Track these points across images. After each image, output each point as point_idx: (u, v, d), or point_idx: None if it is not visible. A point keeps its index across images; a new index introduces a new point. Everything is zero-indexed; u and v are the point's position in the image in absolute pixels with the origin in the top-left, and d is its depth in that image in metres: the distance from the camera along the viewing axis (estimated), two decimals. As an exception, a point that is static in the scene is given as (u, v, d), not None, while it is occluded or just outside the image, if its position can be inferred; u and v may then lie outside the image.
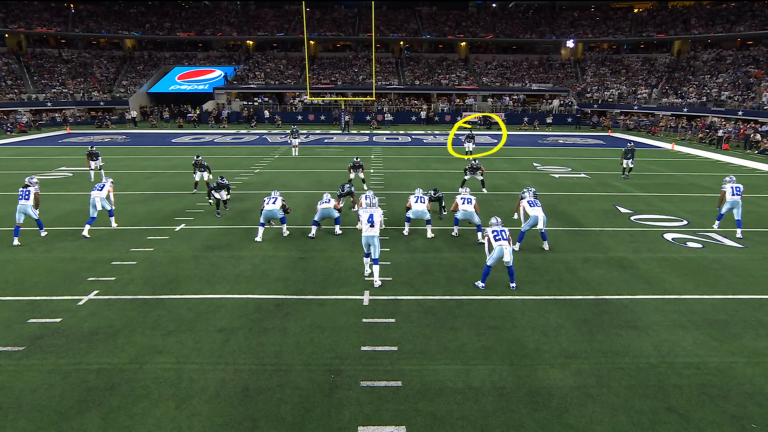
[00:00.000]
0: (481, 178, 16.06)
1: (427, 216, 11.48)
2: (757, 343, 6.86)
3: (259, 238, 11.18)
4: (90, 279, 8.90)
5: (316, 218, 11.49)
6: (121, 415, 5.28)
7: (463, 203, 11.05)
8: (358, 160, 16.02)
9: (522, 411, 5.39)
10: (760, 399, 5.64)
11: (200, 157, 15.88)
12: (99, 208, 11.38)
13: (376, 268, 8.74)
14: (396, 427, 5.15)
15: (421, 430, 5.11)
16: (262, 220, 11.28)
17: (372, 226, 8.62)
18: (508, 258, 8.22)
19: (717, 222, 12.24)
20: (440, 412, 5.37)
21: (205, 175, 15.77)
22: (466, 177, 15.88)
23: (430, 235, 11.57)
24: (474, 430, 5.10)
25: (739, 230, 11.62)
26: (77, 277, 8.96)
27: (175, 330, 7.10)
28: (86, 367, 6.16)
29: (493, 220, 8.69)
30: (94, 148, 18.05)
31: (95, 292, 8.36)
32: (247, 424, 5.17)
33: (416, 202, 11.48)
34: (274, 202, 11.22)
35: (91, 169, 17.80)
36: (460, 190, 11.92)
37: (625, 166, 18.93)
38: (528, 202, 10.65)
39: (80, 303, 7.94)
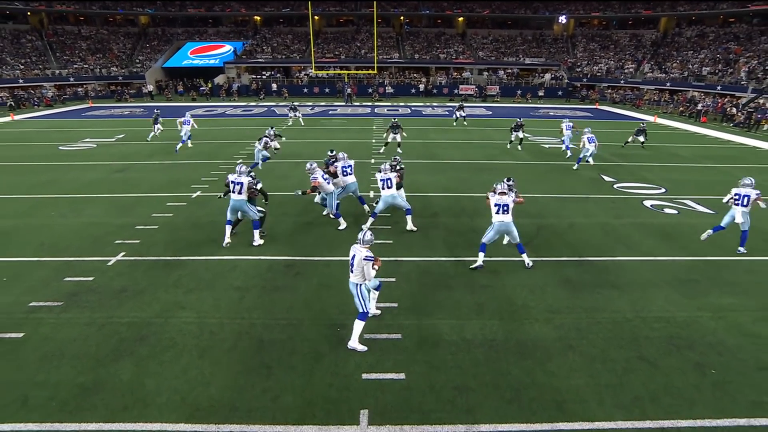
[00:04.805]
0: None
1: (401, 201, 9.11)
2: (722, 300, 6.99)
3: (226, 241, 8.67)
4: (117, 242, 8.98)
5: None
6: (151, 363, 5.45)
7: (498, 212, 7.45)
8: (396, 120, 15.52)
9: (510, 360, 5.56)
10: (720, 349, 5.79)
11: (159, 111, 18.85)
12: (184, 130, 15.02)
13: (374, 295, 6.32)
14: (396, 374, 5.32)
15: (419, 376, 5.28)
16: (229, 217, 8.56)
17: (352, 271, 5.67)
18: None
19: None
20: (436, 361, 5.53)
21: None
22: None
23: (410, 227, 9.39)
24: (466, 376, 5.27)
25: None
26: (105, 240, 9.05)
27: (195, 288, 7.22)
28: (118, 320, 6.32)
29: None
30: (158, 111, 20.52)
31: (122, 253, 8.46)
32: (263, 370, 5.34)
33: (383, 187, 8.88)
34: (239, 191, 8.06)
35: (156, 133, 19.76)
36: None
37: (631, 140, 18.85)
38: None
39: (109, 263, 8.06)
